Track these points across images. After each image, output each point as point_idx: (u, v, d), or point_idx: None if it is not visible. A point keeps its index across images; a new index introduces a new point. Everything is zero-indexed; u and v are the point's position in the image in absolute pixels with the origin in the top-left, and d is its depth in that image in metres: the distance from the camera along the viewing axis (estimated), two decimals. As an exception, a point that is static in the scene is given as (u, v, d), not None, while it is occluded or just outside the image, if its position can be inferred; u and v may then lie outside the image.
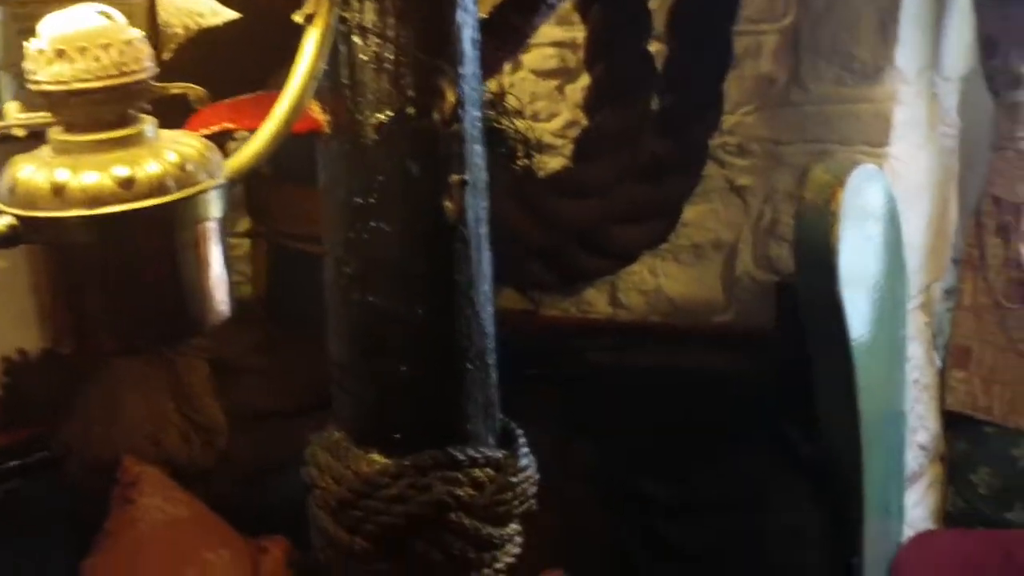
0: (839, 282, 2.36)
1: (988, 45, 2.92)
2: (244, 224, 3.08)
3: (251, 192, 2.96)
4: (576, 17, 2.83)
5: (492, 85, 3.07)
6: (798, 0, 2.81)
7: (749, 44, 2.86)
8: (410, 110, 1.28)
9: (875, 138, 2.81)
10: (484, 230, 1.39)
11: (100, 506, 2.56)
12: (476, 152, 1.35)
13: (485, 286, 1.40)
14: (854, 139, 2.83)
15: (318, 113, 1.32)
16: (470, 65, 1.31)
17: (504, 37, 1.67)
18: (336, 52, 1.27)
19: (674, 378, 2.99)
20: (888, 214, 2.66)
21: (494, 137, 3.08)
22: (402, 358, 1.36)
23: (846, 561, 2.73)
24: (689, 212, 2.98)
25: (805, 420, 2.73)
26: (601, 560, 3.07)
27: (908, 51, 2.81)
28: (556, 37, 3.10)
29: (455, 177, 1.30)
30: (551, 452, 3.17)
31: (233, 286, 1.08)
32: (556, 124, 3.16)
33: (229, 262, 1.06)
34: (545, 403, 3.17)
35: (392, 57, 1.27)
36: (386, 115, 1.28)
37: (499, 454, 1.42)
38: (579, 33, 2.88)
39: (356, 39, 1.28)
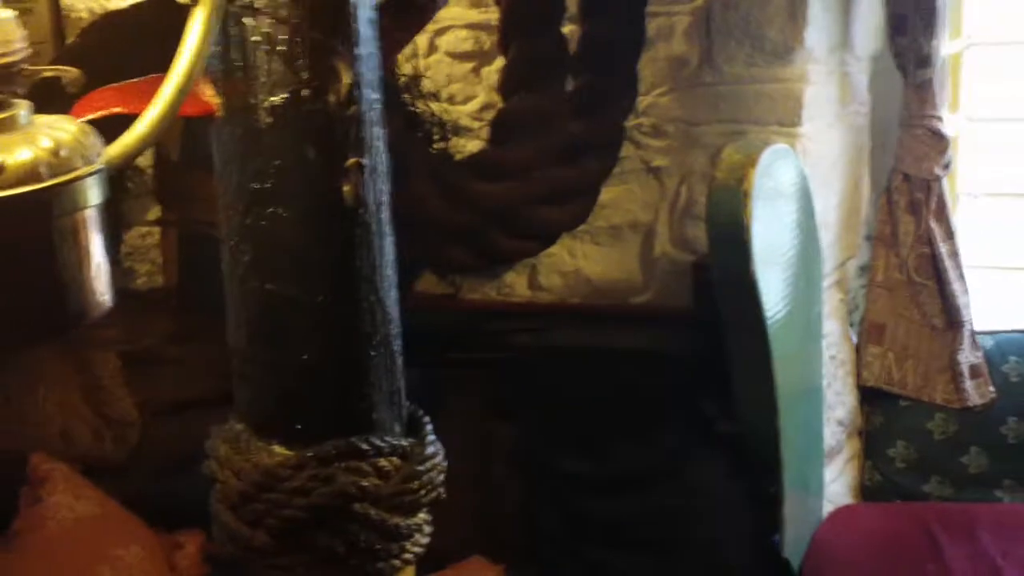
0: (752, 261, 2.37)
1: (897, 24, 2.95)
2: (154, 212, 3.02)
3: (161, 179, 2.91)
4: (491, -1, 2.82)
5: (407, 68, 3.05)
6: (710, -20, 2.82)
7: (662, 25, 2.86)
8: (305, 92, 1.25)
9: (787, 117, 2.83)
10: (386, 214, 1.37)
11: (9, 505, 2.50)
12: (376, 135, 1.32)
13: (388, 271, 1.38)
14: (767, 119, 2.84)
15: (211, 96, 1.29)
16: (367, 46, 1.29)
17: (406, 17, 1.64)
18: (227, 33, 1.24)
19: (593, 358, 3.00)
20: (800, 192, 2.68)
21: (411, 120, 3.06)
22: (303, 347, 1.33)
23: (766, 537, 2.76)
24: (607, 193, 2.98)
25: (722, 397, 2.75)
26: (523, 538, 3.08)
27: (818, 31, 2.83)
28: (471, 19, 3.07)
29: (352, 160, 1.27)
30: (474, 434, 3.21)
31: (136, 276, 1.05)
32: (473, 107, 3.13)
33: (112, 251, 1.02)
34: (467, 386, 3.17)
35: (285, 38, 1.24)
36: (280, 98, 1.25)
37: (405, 442, 1.39)
38: (494, 15, 2.87)
39: (247, 20, 1.24)
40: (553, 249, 3.06)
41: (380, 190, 1.35)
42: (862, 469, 3.27)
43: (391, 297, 1.38)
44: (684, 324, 2.93)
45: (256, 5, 1.23)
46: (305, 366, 1.34)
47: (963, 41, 3.25)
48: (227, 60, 1.26)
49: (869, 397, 3.25)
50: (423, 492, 1.40)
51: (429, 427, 1.46)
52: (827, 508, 3.07)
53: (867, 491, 3.25)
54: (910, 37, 2.94)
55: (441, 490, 1.45)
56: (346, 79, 1.25)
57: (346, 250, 1.31)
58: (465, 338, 3.20)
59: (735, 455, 2.77)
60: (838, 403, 3.15)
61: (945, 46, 3.09)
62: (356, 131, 1.29)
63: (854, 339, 3.25)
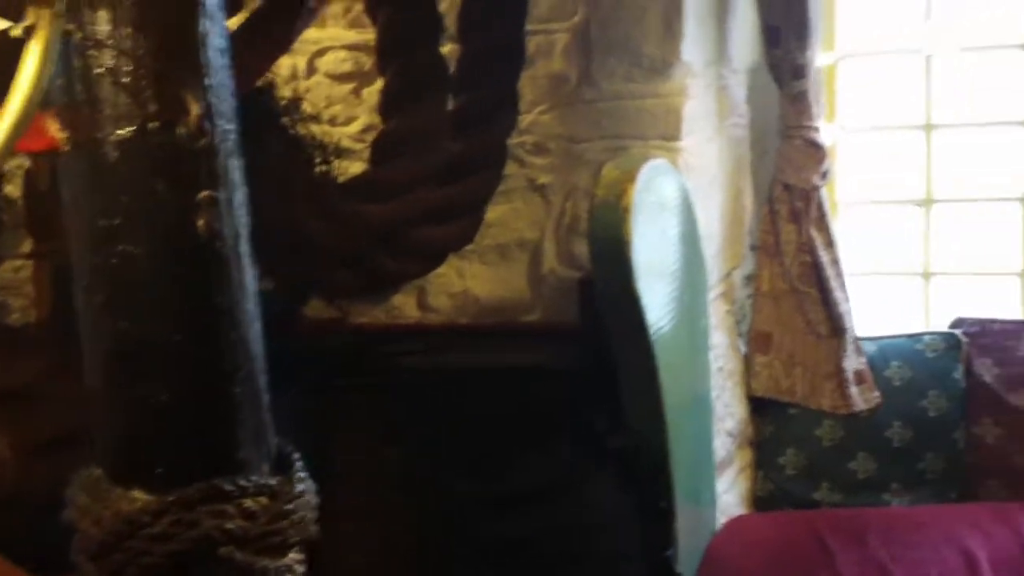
0: (635, 276, 2.38)
1: (771, 36, 3.00)
2: (27, 245, 2.93)
3: (32, 211, 2.81)
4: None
5: (286, 91, 3.00)
6: (586, -1, 2.83)
7: (541, 43, 2.86)
8: (152, 125, 1.21)
9: (668, 132, 2.85)
10: (245, 247, 1.33)
11: None
12: (231, 166, 1.29)
13: (249, 305, 1.34)
14: (648, 134, 2.86)
15: (56, 131, 1.24)
16: (217, 75, 1.25)
17: (264, 43, 1.61)
18: (70, 66, 1.19)
19: (484, 377, 2.98)
20: (682, 206, 2.70)
21: (291, 144, 3.01)
22: (160, 387, 1.29)
23: (660, 551, 2.76)
24: (492, 212, 2.96)
25: (613, 413, 2.75)
26: (418, 562, 3.05)
27: (694, 45, 2.86)
28: (349, 40, 3.05)
29: (204, 194, 1.23)
30: (366, 459, 3.16)
31: (10, 311, 1.00)
32: (354, 128, 3.11)
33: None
34: (358, 410, 3.13)
35: (130, 70, 1.20)
36: (127, 131, 1.21)
37: (273, 481, 1.35)
38: (373, 35, 2.83)
39: (91, 52, 1.20)
40: (441, 270, 3.03)
41: (238, 223, 1.31)
42: (754, 479, 3.30)
43: (253, 332, 1.34)
44: (573, 340, 2.92)
45: (99, 37, 1.19)
46: (164, 407, 1.29)
47: (837, 52, 3.31)
48: (71, 93, 1.21)
49: (758, 407, 3.28)
50: (293, 532, 1.36)
51: (299, 464, 1.42)
52: (720, 519, 3.09)
53: (759, 500, 3.28)
54: (784, 49, 2.99)
55: (313, 528, 1.41)
56: (195, 110, 1.21)
57: (202, 286, 1.27)
58: (355, 362, 3.15)
59: (626, 470, 2.77)
60: (728, 414, 3.18)
61: (819, 57, 3.15)
62: (209, 163, 1.25)
63: (742, 349, 3.28)
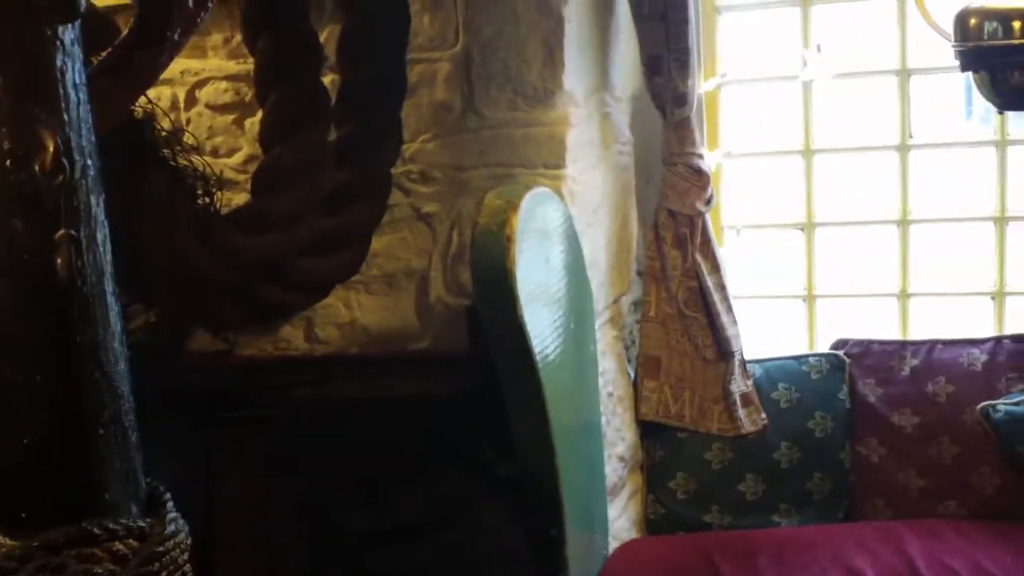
0: (519, 304, 2.38)
1: (652, 64, 3.03)
2: None
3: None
4: (251, 49, 2.76)
5: (166, 122, 2.95)
6: (467, 28, 2.83)
7: (423, 72, 2.86)
8: (8, 162, 1.18)
9: (552, 160, 2.86)
10: (110, 285, 1.30)
11: None
12: (92, 202, 1.26)
13: (115, 344, 1.31)
14: (533, 162, 2.87)
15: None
16: (76, 111, 1.22)
17: (128, 76, 1.58)
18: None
19: (374, 408, 2.96)
20: (566, 233, 2.71)
21: (173, 176, 2.95)
22: (23, 429, 1.25)
23: (553, 580, 2.76)
24: (379, 242, 2.95)
25: (502, 441, 2.74)
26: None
27: (577, 74, 2.88)
28: (230, 71, 3.02)
29: (62, 232, 1.20)
30: (255, 492, 3.10)
31: None
32: (237, 159, 3.08)
33: None
34: (246, 443, 3.08)
35: (-17, 106, 1.16)
36: (-19, 168, 1.17)
37: (143, 523, 1.32)
38: (253, 66, 2.80)
39: (-57, 87, 1.16)
40: (328, 300, 3.00)
41: (101, 260, 1.28)
42: (645, 503, 3.32)
43: (119, 371, 1.31)
44: (462, 369, 2.92)
45: (-50, 71, 1.16)
46: (26, 449, 1.26)
47: (718, 79, 3.37)
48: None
49: (648, 431, 3.30)
50: (165, 574, 1.33)
51: (170, 504, 1.39)
52: (612, 544, 3.10)
53: (651, 524, 3.30)
54: (666, 77, 3.03)
55: (186, 568, 1.38)
56: (51, 146, 1.18)
57: (63, 325, 1.24)
58: (242, 395, 3.11)
59: (517, 498, 2.76)
60: (618, 439, 3.20)
61: (700, 85, 3.21)
62: (67, 200, 1.22)
63: (631, 374, 3.30)
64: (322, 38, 2.72)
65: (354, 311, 3.05)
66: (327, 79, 2.71)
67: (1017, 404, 3.08)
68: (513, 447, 2.70)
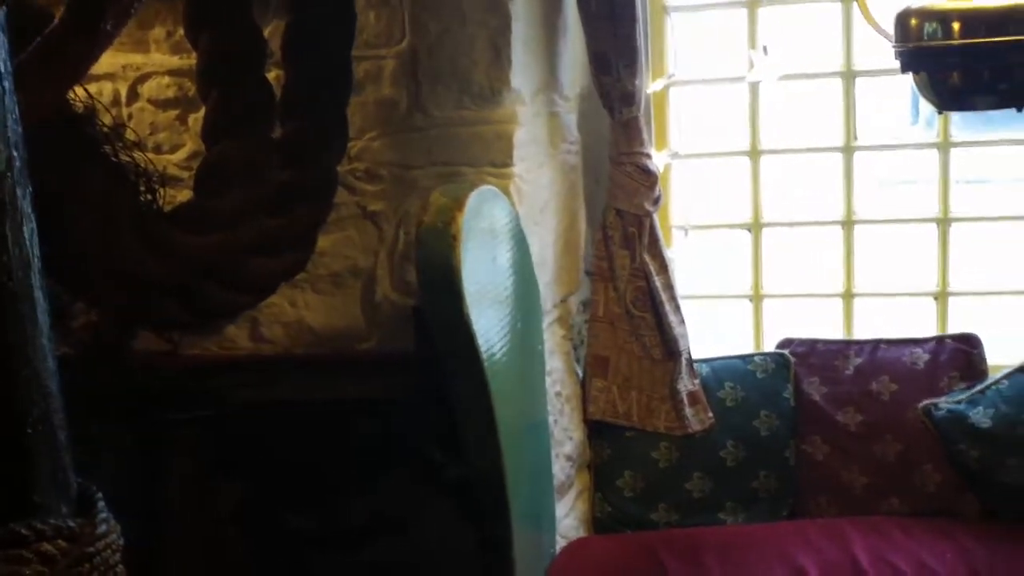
0: (465, 303, 2.37)
1: (600, 63, 3.03)
2: None
3: None
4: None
5: (107, 118, 2.91)
6: (414, 25, 2.82)
7: (369, 69, 2.84)
8: (-72, 153, 1.15)
9: (499, 159, 2.85)
10: (37, 280, 1.27)
11: None
12: (17, 195, 1.22)
13: (43, 341, 1.28)
14: (480, 161, 2.86)
15: None
16: (2, 100, 1.19)
17: (59, 66, 1.55)
18: None
19: (320, 408, 2.94)
20: (512, 232, 2.71)
21: (114, 172, 2.91)
22: (-53, 429, 1.22)
23: (499, 579, 2.75)
24: (324, 241, 2.93)
25: (449, 441, 2.73)
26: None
27: (524, 73, 2.88)
28: (172, 65, 2.98)
29: (-14, 226, 1.17)
30: (199, 494, 3.07)
31: None
32: (180, 156, 3.04)
33: None
34: (190, 444, 3.05)
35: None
36: (-99, 159, 1.14)
37: (73, 523, 1.29)
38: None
39: None
40: (274, 299, 2.97)
41: (28, 255, 1.25)
42: (592, 502, 3.32)
43: (48, 369, 1.28)
44: (409, 369, 2.90)
45: None
46: (-50, 450, 1.23)
47: (666, 79, 3.38)
48: None
49: (596, 430, 3.30)
50: (96, 575, 1.31)
51: (101, 503, 1.36)
52: (560, 543, 3.09)
53: (599, 523, 3.30)
54: (614, 76, 3.03)
55: (119, 568, 1.35)
56: (-26, 139, 1.15)
57: (-11, 322, 1.21)
58: (186, 395, 3.07)
59: (464, 499, 2.75)
60: (566, 438, 3.19)
61: (648, 84, 3.21)
62: (-11, 195, 1.19)
63: (579, 374, 3.30)
64: (267, 34, 2.70)
65: (300, 310, 3.02)
66: (272, 75, 2.69)
67: (958, 403, 3.11)
68: (460, 447, 2.69)
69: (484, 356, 2.47)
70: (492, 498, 2.63)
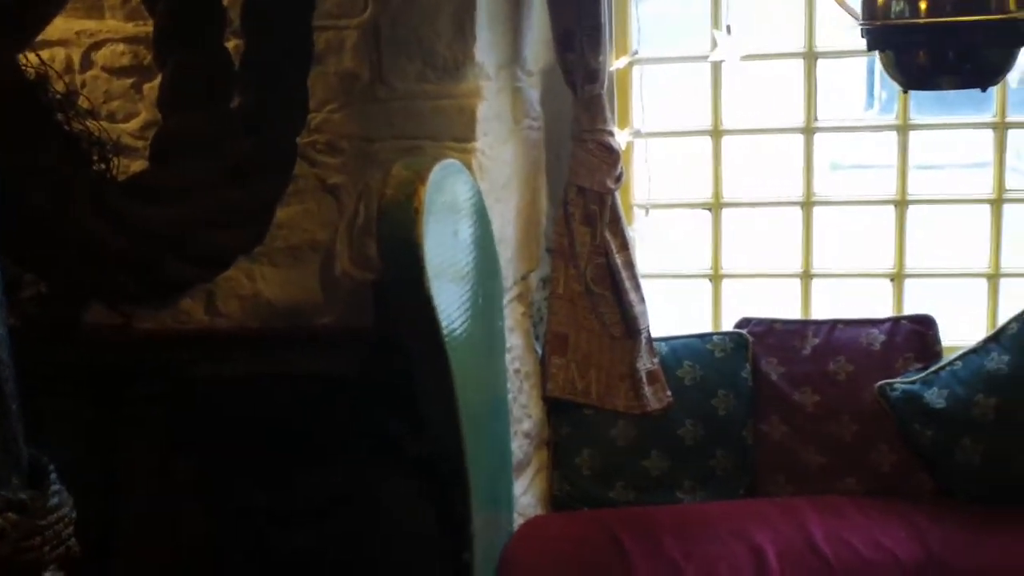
0: (426, 277, 2.34)
1: (564, 40, 3.01)
2: None
3: None
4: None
5: (60, 85, 2.85)
6: (376, -5, 2.78)
7: (331, 40, 2.80)
8: None
9: (461, 133, 2.82)
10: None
11: None
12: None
13: (-7, 308, 1.24)
14: (442, 135, 2.83)
15: None
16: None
17: (13, 28, 1.50)
18: None
19: (277, 383, 2.90)
20: (474, 207, 2.68)
21: (67, 141, 2.85)
22: None
23: (456, 557, 2.73)
24: (283, 213, 2.88)
25: (409, 418, 2.71)
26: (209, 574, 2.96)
27: (487, 47, 2.85)
28: (128, 32, 2.93)
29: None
30: (154, 469, 3.03)
31: None
32: (135, 124, 2.99)
33: None
34: (145, 419, 3.00)
35: None
36: None
37: (24, 495, 1.26)
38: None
39: None
40: (230, 273, 2.93)
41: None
42: (550, 480, 3.31)
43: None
44: (368, 344, 2.87)
45: None
46: (-101, 418, 1.19)
47: (629, 57, 3.36)
48: None
49: (555, 408, 3.30)
50: (48, 548, 1.27)
51: (53, 475, 1.33)
52: (518, 521, 3.08)
53: (556, 501, 3.29)
54: (577, 53, 3.01)
55: (71, 543, 1.32)
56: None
57: (-61, 287, 1.18)
58: (140, 370, 3.02)
59: (423, 476, 2.73)
60: (524, 415, 3.18)
61: (612, 62, 3.20)
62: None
63: (539, 351, 3.29)
64: (226, 2, 2.64)
65: (257, 284, 2.98)
66: (231, 45, 2.64)
67: (913, 383, 3.14)
68: (420, 424, 2.67)
69: (445, 332, 2.45)
70: (452, 475, 2.61)
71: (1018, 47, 2.25)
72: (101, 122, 2.87)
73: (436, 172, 2.43)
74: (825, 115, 3.42)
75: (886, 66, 2.38)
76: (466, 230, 2.66)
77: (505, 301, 3.02)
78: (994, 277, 3.39)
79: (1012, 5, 2.18)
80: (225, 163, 2.67)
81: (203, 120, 2.57)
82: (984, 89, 2.29)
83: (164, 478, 3.03)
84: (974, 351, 3.16)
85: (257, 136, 2.68)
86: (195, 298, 3.02)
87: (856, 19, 2.40)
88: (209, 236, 2.79)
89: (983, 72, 2.26)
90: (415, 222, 2.30)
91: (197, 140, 2.59)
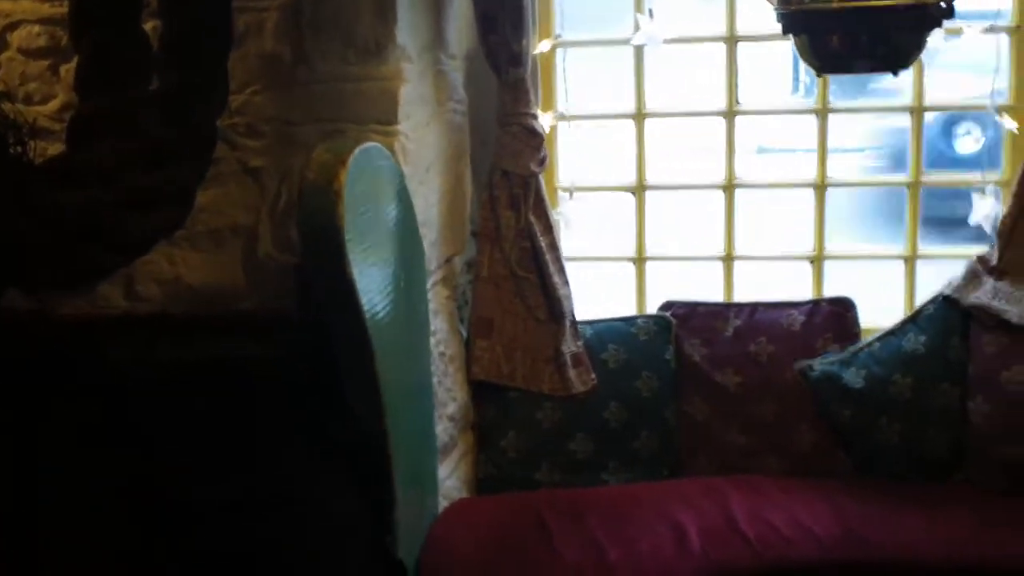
0: (348, 261, 2.34)
1: (486, 23, 3.02)
2: None
3: None
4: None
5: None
6: (297, -24, 2.76)
7: (251, 21, 2.77)
8: None
9: (384, 116, 2.82)
10: None
11: None
12: None
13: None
14: (364, 117, 2.82)
15: None
16: None
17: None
18: None
19: (200, 370, 2.87)
20: (397, 191, 2.68)
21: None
22: None
23: (381, 540, 2.73)
24: (203, 197, 2.83)
25: (333, 402, 2.70)
26: (134, 571, 2.91)
27: (409, 29, 2.84)
28: (44, 13, 2.88)
29: None
30: (76, 461, 2.98)
31: None
32: (52, 107, 2.94)
33: None
34: (65, 409, 2.95)
35: None
36: None
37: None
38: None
39: None
40: (150, 257, 2.88)
41: None
42: (476, 463, 3.32)
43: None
44: (291, 329, 2.85)
45: None
46: None
47: (552, 40, 3.37)
48: None
49: (480, 391, 3.31)
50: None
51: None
52: (443, 504, 3.09)
53: (482, 484, 3.31)
54: (500, 36, 3.02)
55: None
56: None
57: None
58: (60, 359, 2.97)
59: (349, 460, 2.73)
60: (449, 399, 3.18)
61: (535, 45, 3.20)
62: None
63: (464, 334, 3.29)
64: (144, -18, 2.60)
65: (178, 267, 2.94)
66: (149, 26, 2.60)
67: (832, 364, 3.19)
68: (344, 409, 2.66)
69: (367, 315, 2.45)
70: (377, 459, 2.61)
71: (928, 31, 2.30)
72: (17, 104, 2.83)
73: (357, 155, 2.42)
74: (752, 99, 3.46)
75: (800, 50, 2.41)
76: (389, 213, 2.65)
77: (429, 284, 3.02)
78: (911, 259, 3.45)
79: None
80: (144, 146, 2.63)
81: (121, 102, 2.53)
82: (896, 73, 2.34)
83: (84, 470, 2.99)
84: (892, 332, 3.22)
85: (176, 119, 2.64)
86: (114, 282, 2.97)
87: (772, 4, 2.43)
88: (128, 220, 2.74)
89: (896, 56, 2.31)
90: (336, 205, 2.30)
91: (115, 122, 2.55)
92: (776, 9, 2.43)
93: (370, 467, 2.67)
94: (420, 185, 2.93)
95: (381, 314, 2.54)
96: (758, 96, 3.58)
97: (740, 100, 3.42)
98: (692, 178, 3.72)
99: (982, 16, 3.22)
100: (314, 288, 2.49)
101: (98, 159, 2.62)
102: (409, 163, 2.86)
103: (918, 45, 2.30)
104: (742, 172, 3.49)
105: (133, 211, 2.73)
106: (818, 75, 2.47)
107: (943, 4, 2.28)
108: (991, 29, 3.21)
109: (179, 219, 2.81)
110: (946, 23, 2.32)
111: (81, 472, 2.96)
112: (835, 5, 2.27)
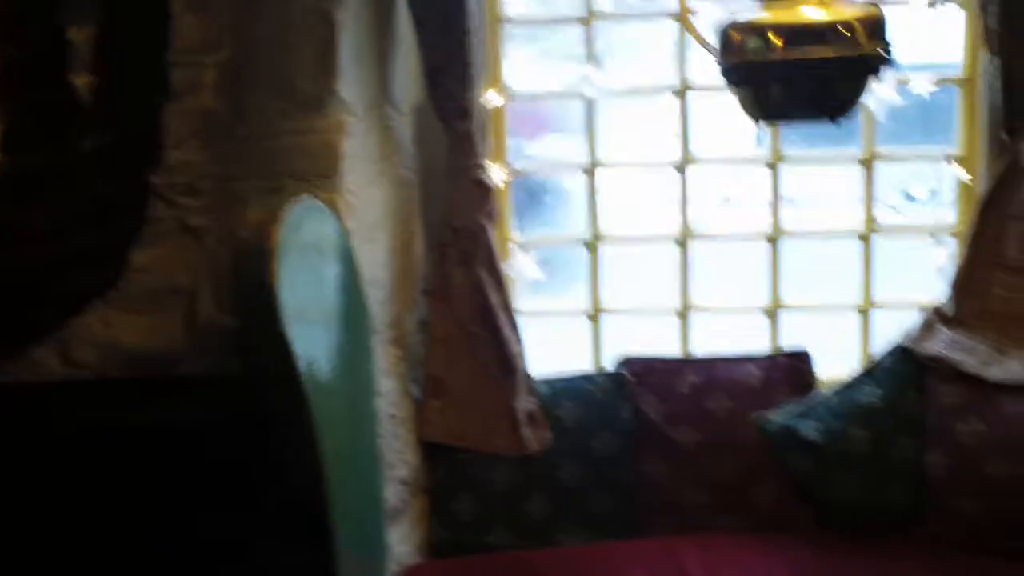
0: (282, 321, 2.26)
1: (434, 76, 2.97)
2: None
3: None
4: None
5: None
6: (235, 31, 2.69)
7: (188, 77, 2.70)
8: None
9: (326, 171, 2.75)
10: None
11: None
12: None
13: None
14: (306, 173, 2.75)
15: None
16: None
17: None
18: None
19: (136, 435, 2.78)
20: (338, 248, 2.61)
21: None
22: None
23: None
24: (141, 257, 2.77)
25: (273, 467, 2.62)
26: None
27: (353, 83, 2.79)
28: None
29: None
30: (9, 526, 2.87)
31: None
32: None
33: None
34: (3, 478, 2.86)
35: None
36: None
37: None
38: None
39: None
40: (86, 319, 2.80)
41: None
42: (429, 526, 3.23)
43: None
44: (232, 392, 2.77)
45: None
46: None
47: (502, 93, 3.33)
48: None
49: (432, 452, 3.22)
50: None
51: None
52: (394, 570, 2.99)
53: (435, 548, 3.21)
54: (447, 89, 2.98)
55: None
56: None
57: None
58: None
59: (288, 526, 2.64)
60: (400, 462, 3.10)
61: (483, 98, 3.16)
62: None
63: (415, 394, 3.21)
64: (77, 38, 2.54)
65: (115, 330, 2.84)
66: (81, 80, 2.53)
67: (788, 415, 3.13)
68: (284, 473, 2.58)
69: (305, 375, 2.37)
70: (315, 523, 2.52)
71: (865, 80, 2.27)
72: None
73: (295, 212, 2.36)
74: (716, 149, 3.42)
75: (743, 103, 2.37)
76: (331, 271, 2.58)
77: (377, 344, 2.94)
78: (865, 310, 3.41)
79: (863, 39, 2.19)
80: (75, 205, 2.57)
81: (49, 160, 2.47)
82: (836, 122, 2.30)
83: (17, 535, 2.89)
84: (848, 385, 3.17)
85: (110, 176, 2.59)
86: (48, 347, 2.88)
87: (715, 56, 2.40)
88: (60, 280, 2.68)
89: (834, 105, 2.27)
90: (268, 264, 2.22)
91: (43, 181, 2.50)
92: (718, 63, 2.40)
93: (309, 532, 2.58)
94: (366, 242, 2.86)
95: (323, 375, 2.46)
96: (722, 146, 3.54)
97: (693, 151, 3.38)
98: (648, 230, 3.66)
99: (933, 68, 3.23)
100: (250, 349, 2.41)
101: (27, 218, 2.55)
102: (355, 219, 2.79)
103: (856, 94, 2.27)
104: (703, 223, 3.43)
105: (67, 270, 2.67)
106: (756, 124, 2.43)
107: (883, 53, 2.25)
108: (940, 81, 3.22)
109: (113, 279, 2.75)
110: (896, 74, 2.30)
111: (13, 537, 2.87)
112: (774, 57, 2.24)
